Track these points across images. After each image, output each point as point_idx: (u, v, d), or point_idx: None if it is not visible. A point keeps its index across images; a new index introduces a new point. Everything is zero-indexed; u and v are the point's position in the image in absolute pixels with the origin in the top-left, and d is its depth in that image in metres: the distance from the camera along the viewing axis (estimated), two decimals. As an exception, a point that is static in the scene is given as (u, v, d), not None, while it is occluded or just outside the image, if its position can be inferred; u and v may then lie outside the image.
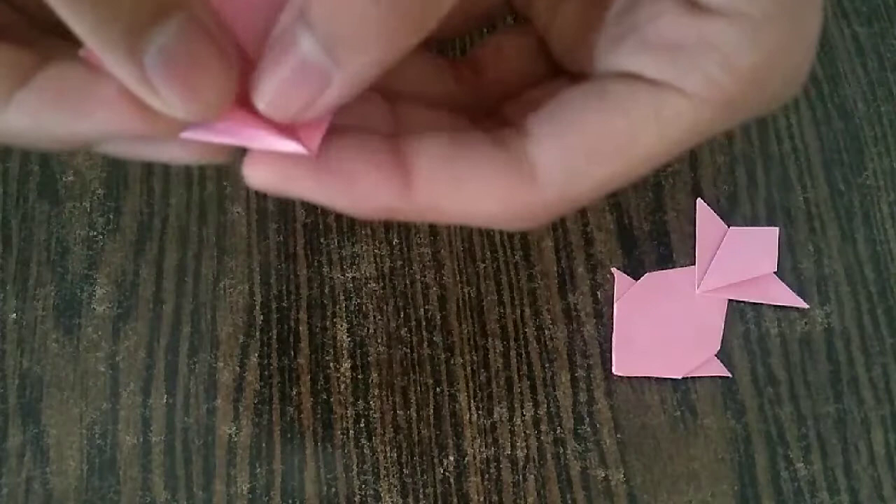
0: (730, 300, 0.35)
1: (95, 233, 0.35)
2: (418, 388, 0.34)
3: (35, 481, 0.32)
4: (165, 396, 0.33)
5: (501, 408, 0.33)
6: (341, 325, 0.34)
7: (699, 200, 0.36)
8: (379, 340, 0.34)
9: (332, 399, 0.33)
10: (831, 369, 0.34)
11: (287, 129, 0.18)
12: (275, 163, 0.19)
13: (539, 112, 0.20)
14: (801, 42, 0.20)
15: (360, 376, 0.34)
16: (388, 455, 0.33)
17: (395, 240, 0.36)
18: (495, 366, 0.34)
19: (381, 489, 0.32)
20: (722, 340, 0.34)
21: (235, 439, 0.33)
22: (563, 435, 0.33)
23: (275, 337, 0.34)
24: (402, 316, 0.35)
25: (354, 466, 0.33)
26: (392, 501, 0.32)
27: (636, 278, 0.35)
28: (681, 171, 0.37)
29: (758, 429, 0.33)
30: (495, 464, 0.33)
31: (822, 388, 0.34)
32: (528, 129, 0.20)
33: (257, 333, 0.34)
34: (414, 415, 0.33)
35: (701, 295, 0.35)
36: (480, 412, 0.33)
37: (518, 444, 0.33)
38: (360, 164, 0.19)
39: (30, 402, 0.33)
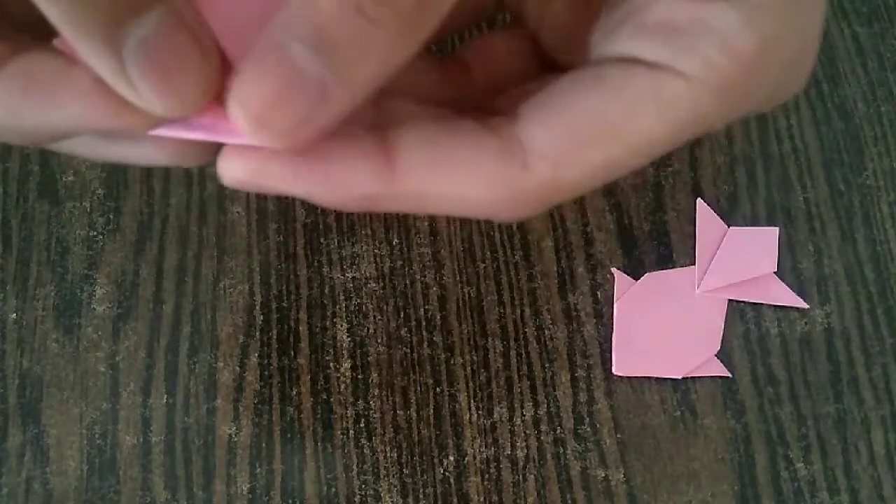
0: (730, 300, 0.35)
1: (95, 233, 0.35)
2: (418, 388, 0.34)
3: (35, 481, 0.32)
4: (165, 396, 0.33)
5: (501, 408, 0.33)
6: (341, 325, 0.34)
7: (699, 200, 0.36)
8: (379, 340, 0.34)
9: (332, 399, 0.33)
10: (831, 369, 0.34)
11: None
12: (249, 156, 0.18)
13: (531, 98, 0.19)
14: (800, 28, 0.19)
15: (360, 376, 0.34)
16: (388, 455, 0.33)
17: (395, 240, 0.36)
18: (495, 366, 0.34)
19: (381, 489, 0.32)
20: (722, 340, 0.34)
21: (235, 439, 0.33)
22: (563, 435, 0.33)
23: (275, 337, 0.34)
24: (402, 316, 0.35)
25: (354, 466, 0.33)
26: (392, 501, 0.32)
27: (636, 278, 0.35)
28: (681, 171, 0.37)
29: (758, 429, 0.33)
30: (495, 464, 0.33)
31: (822, 388, 0.34)
32: (518, 114, 0.19)
33: (257, 333, 0.34)
34: (414, 415, 0.33)
35: (701, 295, 0.35)
36: (480, 412, 0.33)
37: (518, 444, 0.33)
38: (338, 148, 0.18)
39: (30, 402, 0.33)
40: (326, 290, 0.35)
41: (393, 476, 0.32)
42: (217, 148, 0.19)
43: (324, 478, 0.32)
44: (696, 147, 0.37)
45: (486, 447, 0.33)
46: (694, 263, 0.35)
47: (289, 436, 0.33)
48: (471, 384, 0.34)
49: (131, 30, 0.16)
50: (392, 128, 0.19)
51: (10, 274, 0.35)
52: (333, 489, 0.32)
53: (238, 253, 0.35)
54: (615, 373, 0.34)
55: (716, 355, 0.34)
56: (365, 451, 0.33)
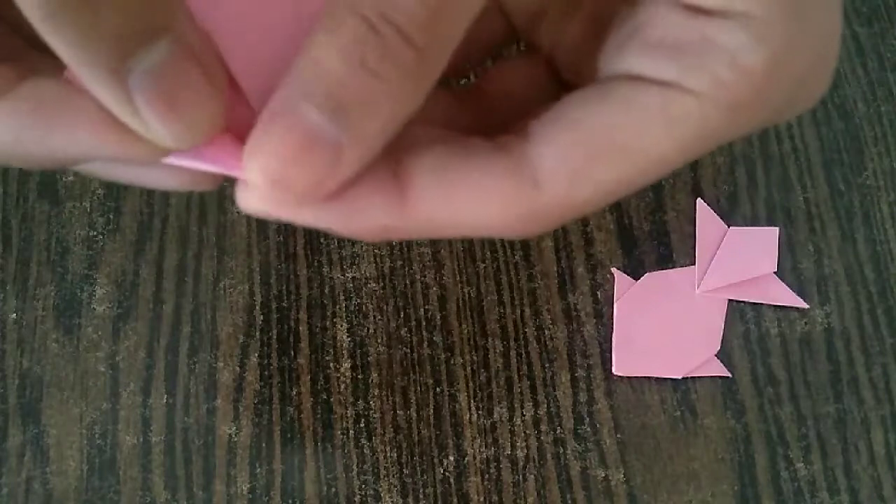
0: (730, 300, 0.35)
1: (95, 233, 0.35)
2: (418, 388, 0.34)
3: (35, 481, 0.32)
4: (165, 396, 0.33)
5: (501, 408, 0.33)
6: (341, 325, 0.34)
7: (699, 200, 0.36)
8: (379, 340, 0.34)
9: (332, 399, 0.33)
10: (831, 369, 0.34)
11: None
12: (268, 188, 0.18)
13: (541, 117, 0.19)
14: (811, 45, 0.19)
15: (360, 376, 0.34)
16: (388, 455, 0.33)
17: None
18: (495, 366, 0.34)
19: (381, 489, 0.32)
20: (722, 340, 0.34)
21: (235, 439, 0.33)
22: (563, 435, 0.33)
23: (275, 337, 0.34)
24: (402, 316, 0.35)
25: (354, 466, 0.33)
26: (392, 501, 0.32)
27: (636, 278, 0.35)
28: (681, 171, 0.37)
29: (758, 429, 0.33)
30: (495, 464, 0.33)
31: (822, 388, 0.34)
32: (529, 133, 0.19)
33: (257, 333, 0.34)
34: (414, 415, 0.33)
35: (701, 295, 0.35)
36: (480, 412, 0.33)
37: (518, 444, 0.33)
38: (353, 183, 0.18)
39: (30, 402, 0.33)
40: (326, 290, 0.35)
41: (393, 476, 0.32)
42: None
43: (324, 478, 0.32)
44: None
45: (486, 447, 0.33)
46: (694, 263, 0.35)
47: (289, 436, 0.33)
48: (471, 384, 0.34)
49: (138, 60, 0.16)
50: (404, 155, 0.19)
51: (10, 274, 0.35)
52: (333, 489, 0.32)
53: (238, 253, 0.35)
54: (615, 373, 0.34)
55: (716, 355, 0.34)
56: (365, 451, 0.33)
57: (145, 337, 0.34)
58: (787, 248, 0.36)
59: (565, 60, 0.22)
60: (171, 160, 0.18)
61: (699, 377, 0.34)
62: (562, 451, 0.33)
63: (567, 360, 0.34)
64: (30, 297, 0.35)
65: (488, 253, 0.35)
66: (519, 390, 0.34)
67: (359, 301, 0.35)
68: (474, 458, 0.33)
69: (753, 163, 0.37)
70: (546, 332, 0.34)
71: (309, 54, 0.17)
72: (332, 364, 0.34)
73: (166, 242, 0.35)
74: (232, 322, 0.34)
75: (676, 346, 0.34)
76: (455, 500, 0.32)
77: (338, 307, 0.35)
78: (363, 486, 0.32)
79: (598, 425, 0.33)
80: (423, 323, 0.34)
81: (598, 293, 0.35)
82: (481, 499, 0.32)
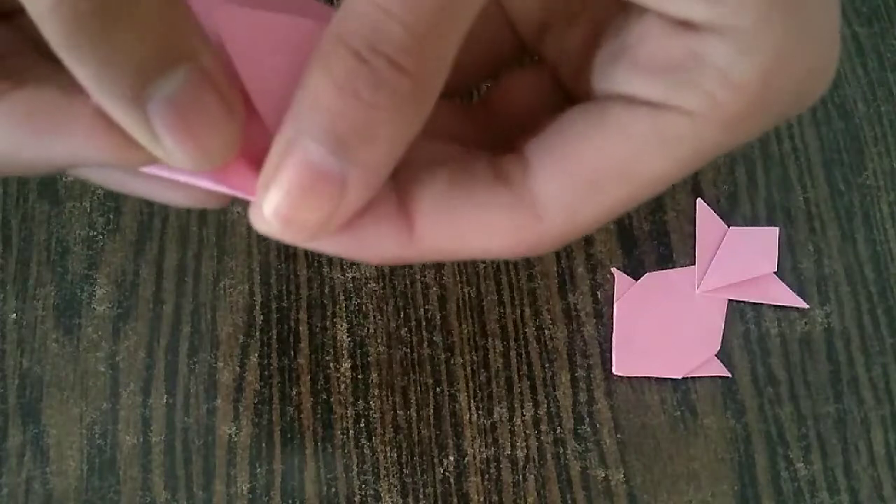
0: (730, 300, 0.35)
1: (95, 233, 0.35)
2: (418, 388, 0.34)
3: (35, 481, 0.32)
4: (165, 396, 0.33)
5: (501, 408, 0.33)
6: (341, 325, 0.34)
7: (699, 200, 0.36)
8: (379, 340, 0.34)
9: (332, 399, 0.33)
10: (831, 369, 0.34)
11: None
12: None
13: (539, 138, 0.19)
14: (808, 46, 0.19)
15: (360, 376, 0.34)
16: (388, 455, 0.33)
17: (395, 240, 0.36)
18: (495, 366, 0.34)
19: (381, 489, 0.32)
20: (722, 340, 0.34)
21: (235, 439, 0.33)
22: (563, 435, 0.33)
23: (275, 337, 0.34)
24: (402, 316, 0.35)
25: (354, 466, 0.33)
26: (392, 501, 0.32)
27: (636, 278, 0.35)
28: (681, 171, 0.37)
29: (758, 429, 0.33)
30: (495, 464, 0.33)
31: (822, 388, 0.34)
32: (528, 159, 0.19)
33: (257, 333, 0.34)
34: (414, 415, 0.33)
35: (701, 295, 0.35)
36: (480, 412, 0.33)
37: (518, 444, 0.33)
38: (362, 214, 0.19)
39: (30, 402, 0.33)
40: (326, 290, 0.35)
41: (393, 476, 0.32)
42: None
43: (324, 478, 0.32)
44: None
45: (486, 447, 0.33)
46: (694, 263, 0.35)
47: (289, 436, 0.33)
48: (471, 384, 0.34)
49: (157, 87, 0.16)
50: (410, 186, 0.19)
51: (10, 274, 0.35)
52: (333, 489, 0.32)
53: (238, 253, 0.35)
54: (615, 373, 0.34)
55: (716, 355, 0.34)
56: (365, 451, 0.33)
57: (145, 337, 0.34)
58: (787, 248, 0.36)
59: (566, 71, 0.22)
60: (185, 178, 0.19)
61: (699, 377, 0.34)
62: (562, 451, 0.33)
63: (567, 360, 0.34)
64: (30, 297, 0.35)
65: (488, 253, 0.35)
66: (519, 390, 0.34)
67: (359, 301, 0.35)
68: (474, 458, 0.33)
69: (753, 163, 0.37)
70: (546, 332, 0.34)
71: (306, 89, 0.17)
72: (332, 364, 0.34)
73: (166, 242, 0.35)
74: (232, 322, 0.34)
75: (676, 346, 0.34)
76: (455, 500, 0.32)
77: (338, 307, 0.35)
78: (363, 486, 0.32)
79: (598, 425, 0.33)
80: (423, 323, 0.34)
81: (598, 293, 0.35)
82: (481, 499, 0.32)
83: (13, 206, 0.36)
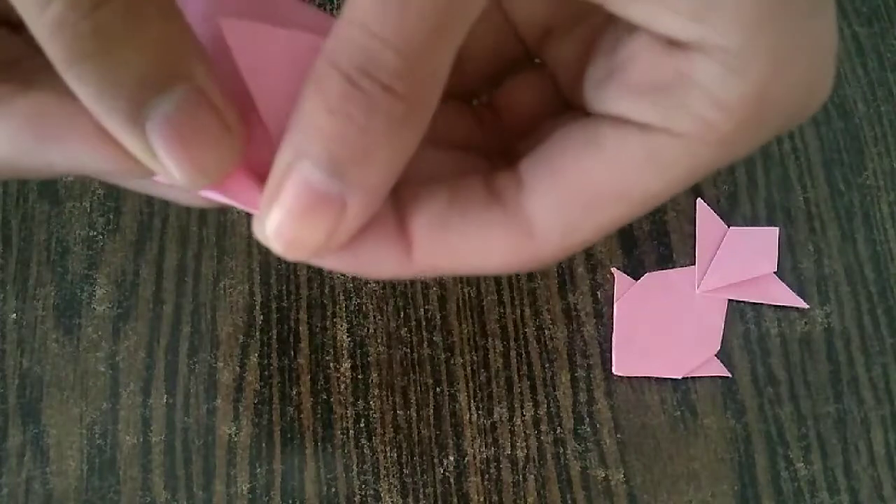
0: (730, 300, 0.35)
1: (95, 233, 0.35)
2: (418, 388, 0.34)
3: (35, 481, 0.32)
4: (165, 396, 0.33)
5: (501, 408, 0.33)
6: (341, 325, 0.34)
7: (699, 200, 0.36)
8: (379, 340, 0.34)
9: (332, 399, 0.33)
10: (831, 369, 0.34)
11: None
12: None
13: (533, 157, 0.20)
14: (803, 58, 0.18)
15: (360, 376, 0.34)
16: (388, 455, 0.33)
17: (395, 240, 0.36)
18: (495, 366, 0.34)
19: (381, 489, 0.32)
20: (722, 340, 0.34)
21: (235, 439, 0.33)
22: (563, 435, 0.33)
23: (275, 337, 0.34)
24: (402, 316, 0.35)
25: (354, 466, 0.33)
26: (392, 501, 0.32)
27: (636, 278, 0.35)
28: (681, 171, 0.37)
29: (758, 429, 0.33)
30: (495, 464, 0.33)
31: (822, 388, 0.34)
32: (522, 178, 0.19)
33: (257, 333, 0.34)
34: (414, 415, 0.33)
35: (701, 295, 0.35)
36: (480, 412, 0.33)
37: (518, 444, 0.33)
38: (362, 234, 0.19)
39: (30, 402, 0.33)
40: (326, 290, 0.35)
41: (393, 476, 0.32)
42: None
43: (324, 478, 0.32)
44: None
45: (486, 447, 0.33)
46: (694, 263, 0.35)
47: (289, 436, 0.33)
48: (471, 384, 0.34)
49: (155, 106, 0.17)
50: (409, 207, 0.19)
51: (10, 274, 0.35)
52: (333, 489, 0.32)
53: (238, 253, 0.35)
54: (615, 373, 0.34)
55: (716, 355, 0.34)
56: (365, 451, 0.33)
57: (145, 337, 0.34)
58: (787, 248, 0.36)
59: (564, 80, 0.22)
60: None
61: (699, 377, 0.34)
62: (562, 451, 0.33)
63: (567, 360, 0.34)
64: (30, 297, 0.35)
65: (488, 253, 0.35)
66: (519, 390, 0.34)
67: (359, 301, 0.35)
68: (474, 458, 0.33)
69: (753, 163, 0.37)
70: (546, 332, 0.34)
71: (302, 113, 0.17)
72: (332, 364, 0.34)
73: (166, 242, 0.35)
74: (232, 322, 0.34)
75: (676, 346, 0.34)
76: (455, 500, 0.32)
77: (338, 307, 0.35)
78: (363, 486, 0.32)
79: (598, 425, 0.33)
80: (423, 323, 0.34)
81: (598, 293, 0.35)
82: (481, 499, 0.32)
83: (13, 206, 0.36)
